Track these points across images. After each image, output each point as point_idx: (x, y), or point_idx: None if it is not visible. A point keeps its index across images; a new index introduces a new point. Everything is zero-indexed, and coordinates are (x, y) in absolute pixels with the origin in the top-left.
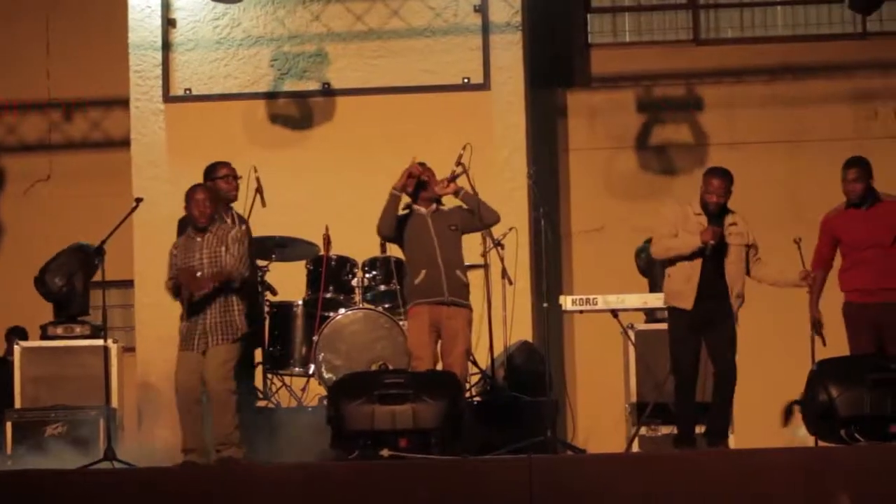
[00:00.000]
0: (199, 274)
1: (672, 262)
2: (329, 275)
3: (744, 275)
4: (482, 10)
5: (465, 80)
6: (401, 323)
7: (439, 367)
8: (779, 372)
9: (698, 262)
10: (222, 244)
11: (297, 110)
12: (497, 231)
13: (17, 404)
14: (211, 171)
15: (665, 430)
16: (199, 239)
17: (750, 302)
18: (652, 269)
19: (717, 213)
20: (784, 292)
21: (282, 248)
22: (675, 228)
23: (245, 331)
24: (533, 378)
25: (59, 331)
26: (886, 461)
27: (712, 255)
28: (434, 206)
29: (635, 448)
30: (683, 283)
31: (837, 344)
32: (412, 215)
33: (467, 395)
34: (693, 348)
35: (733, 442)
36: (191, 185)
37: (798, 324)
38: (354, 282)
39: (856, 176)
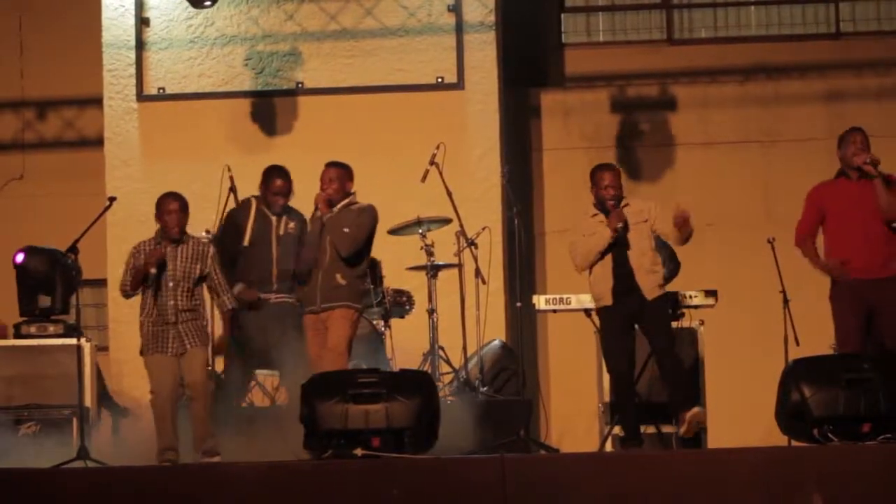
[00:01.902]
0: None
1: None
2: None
3: (651, 249)
4: (456, 9)
5: (439, 80)
6: (374, 323)
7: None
8: (752, 371)
9: (609, 259)
10: (198, 262)
11: (271, 110)
12: (470, 230)
13: None
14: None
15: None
16: (169, 249)
17: (723, 302)
18: None
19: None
20: (759, 292)
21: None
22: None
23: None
24: (506, 377)
25: (33, 329)
26: (859, 461)
27: (618, 248)
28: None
29: (608, 448)
30: (601, 283)
31: (811, 343)
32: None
33: (441, 394)
34: (623, 344)
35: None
36: (164, 184)
37: (771, 323)
38: None
39: (864, 143)
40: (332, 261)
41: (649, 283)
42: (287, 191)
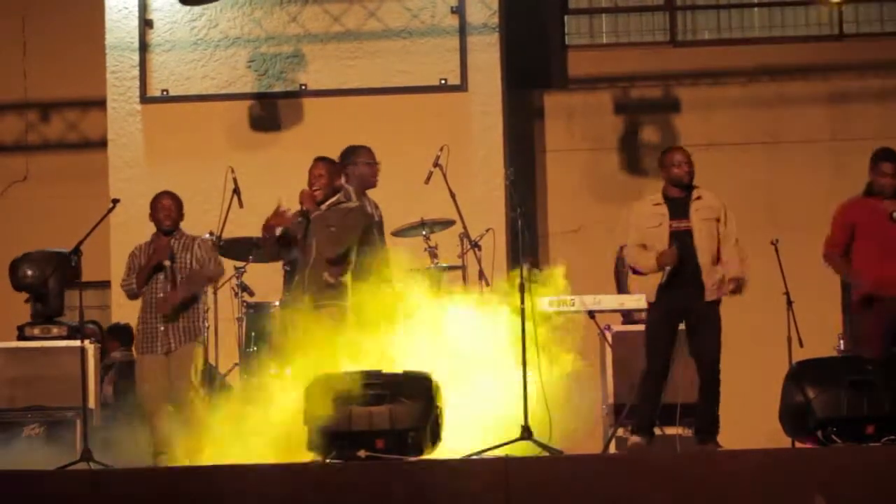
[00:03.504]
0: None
1: None
2: None
3: (717, 248)
4: (459, 11)
5: (443, 82)
6: None
7: None
8: (755, 373)
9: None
10: (187, 252)
11: (274, 111)
12: (474, 232)
13: None
14: (350, 155)
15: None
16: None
17: (726, 303)
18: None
19: (681, 196)
20: (762, 294)
21: (259, 249)
22: (640, 234)
23: (204, 334)
24: None
25: (36, 331)
26: (863, 463)
27: (682, 244)
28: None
29: (612, 449)
30: (650, 278)
31: (814, 345)
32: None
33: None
34: (664, 345)
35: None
36: (168, 186)
37: (775, 324)
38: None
39: (893, 170)
40: (319, 259)
41: (712, 282)
42: None
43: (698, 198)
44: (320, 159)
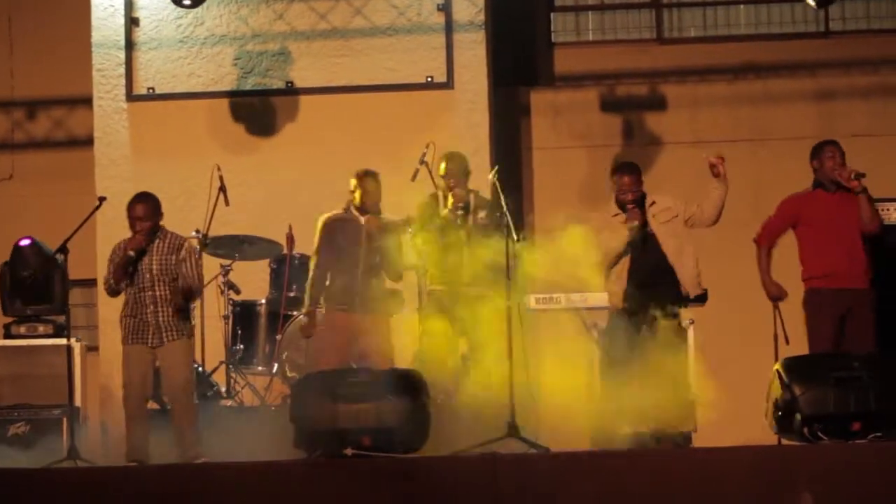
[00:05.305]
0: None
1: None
2: (292, 274)
3: (688, 244)
4: (446, 8)
5: (429, 79)
6: None
7: None
8: (742, 370)
9: (626, 260)
10: (173, 254)
11: (260, 109)
12: None
13: None
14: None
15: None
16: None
17: (713, 300)
18: None
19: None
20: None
21: (245, 246)
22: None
23: (191, 331)
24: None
25: (23, 330)
26: (849, 460)
27: (642, 248)
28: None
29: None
30: (616, 283)
31: (801, 342)
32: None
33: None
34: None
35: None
36: (154, 184)
37: (761, 322)
38: None
39: (842, 157)
40: (371, 267)
41: (689, 279)
42: None
43: (653, 203)
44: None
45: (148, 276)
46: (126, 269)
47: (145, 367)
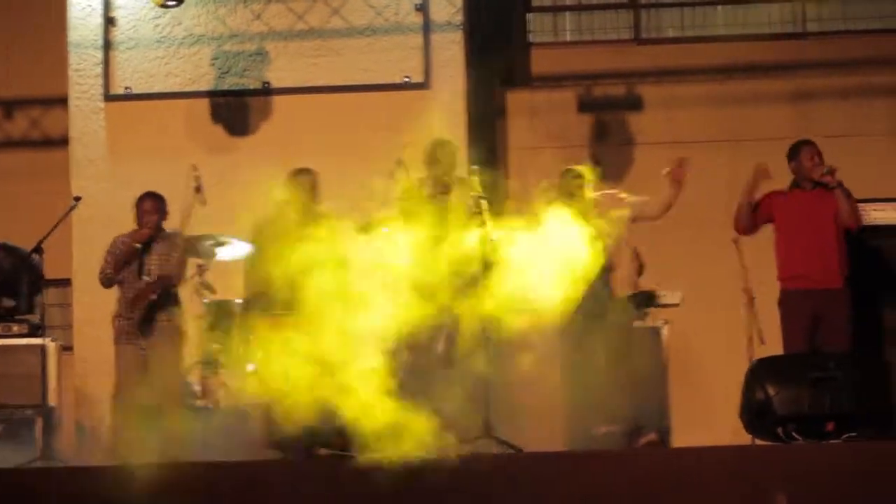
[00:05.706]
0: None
1: None
2: None
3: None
4: (423, 9)
5: (406, 79)
6: None
7: None
8: (717, 370)
9: None
10: (170, 254)
11: (237, 109)
12: None
13: None
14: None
15: (604, 428)
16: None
17: (688, 301)
18: None
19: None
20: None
21: (221, 246)
22: None
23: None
24: None
25: None
26: (823, 460)
27: None
28: None
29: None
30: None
31: (776, 343)
32: None
33: None
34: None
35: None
36: (130, 183)
37: (737, 322)
38: None
39: (819, 155)
40: None
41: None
42: None
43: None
44: None
45: (146, 278)
46: (127, 261)
47: (137, 371)
